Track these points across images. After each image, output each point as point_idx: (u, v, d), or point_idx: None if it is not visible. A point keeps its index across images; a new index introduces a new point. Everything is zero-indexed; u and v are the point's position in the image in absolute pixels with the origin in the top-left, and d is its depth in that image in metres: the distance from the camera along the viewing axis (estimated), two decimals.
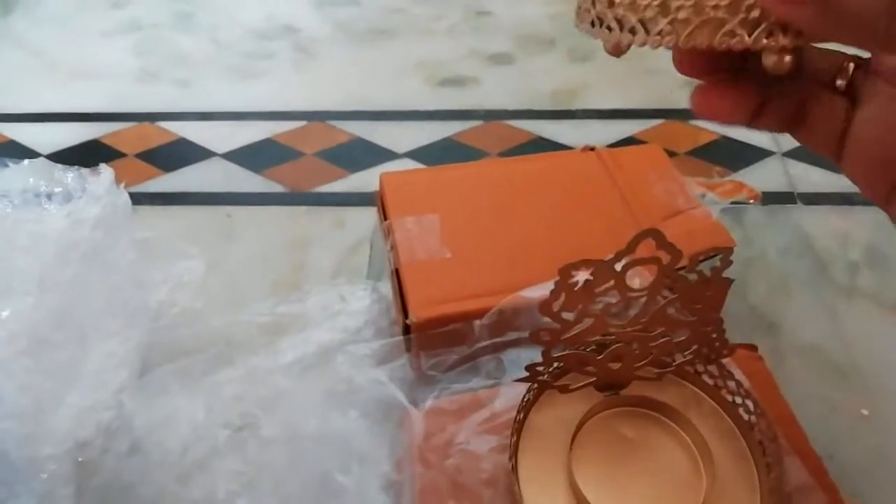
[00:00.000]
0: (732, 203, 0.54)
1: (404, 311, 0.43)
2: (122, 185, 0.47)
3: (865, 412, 0.48)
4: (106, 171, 0.47)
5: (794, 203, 0.63)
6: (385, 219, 0.49)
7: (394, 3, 0.92)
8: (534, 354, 0.36)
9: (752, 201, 0.58)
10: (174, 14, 0.92)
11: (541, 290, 0.41)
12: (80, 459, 0.38)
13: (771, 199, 0.63)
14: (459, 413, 0.39)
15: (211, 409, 0.40)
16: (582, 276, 0.32)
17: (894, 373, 0.50)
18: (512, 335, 0.41)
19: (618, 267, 0.32)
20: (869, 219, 0.61)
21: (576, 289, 0.32)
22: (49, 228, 0.41)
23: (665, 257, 0.32)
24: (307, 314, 0.47)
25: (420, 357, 0.42)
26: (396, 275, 0.45)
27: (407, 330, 0.42)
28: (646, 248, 0.31)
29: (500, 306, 0.41)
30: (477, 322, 0.42)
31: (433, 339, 0.42)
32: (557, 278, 0.32)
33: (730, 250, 0.39)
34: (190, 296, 0.48)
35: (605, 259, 0.32)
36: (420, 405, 0.40)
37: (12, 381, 0.36)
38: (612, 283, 0.32)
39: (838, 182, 0.64)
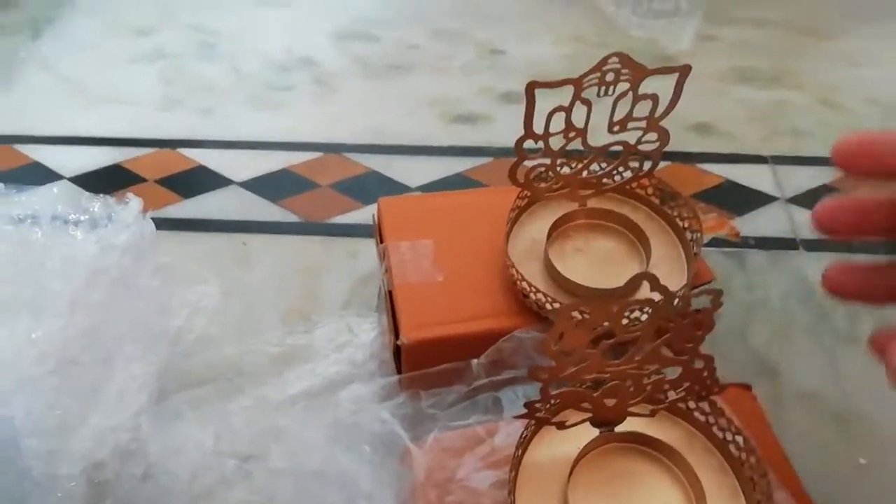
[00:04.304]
0: (713, 238, 0.55)
1: (396, 333, 0.44)
2: (148, 214, 0.49)
3: (864, 461, 0.48)
4: (134, 200, 0.49)
5: (797, 249, 0.64)
6: (381, 242, 0.50)
7: (410, 39, 0.94)
8: (530, 392, 0.37)
9: (733, 238, 0.59)
10: (198, 44, 0.94)
11: (537, 331, 0.42)
12: (95, 480, 0.39)
13: (774, 244, 0.64)
14: (459, 450, 0.40)
15: (220, 438, 0.41)
16: (579, 315, 0.33)
17: (893, 422, 0.50)
18: (509, 373, 0.42)
19: (614, 308, 0.33)
20: None
21: (574, 329, 0.33)
22: (80, 253, 0.43)
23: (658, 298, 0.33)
24: (314, 345, 0.47)
25: (420, 395, 0.43)
26: (389, 297, 0.46)
27: (398, 351, 0.43)
28: None
29: (499, 345, 0.42)
30: (475, 361, 0.43)
31: (432, 377, 0.43)
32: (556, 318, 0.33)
33: (719, 292, 0.39)
34: (205, 322, 0.49)
35: (603, 303, 0.33)
36: (421, 442, 0.41)
37: (40, 399, 0.37)
38: (608, 323, 0.34)
39: None
